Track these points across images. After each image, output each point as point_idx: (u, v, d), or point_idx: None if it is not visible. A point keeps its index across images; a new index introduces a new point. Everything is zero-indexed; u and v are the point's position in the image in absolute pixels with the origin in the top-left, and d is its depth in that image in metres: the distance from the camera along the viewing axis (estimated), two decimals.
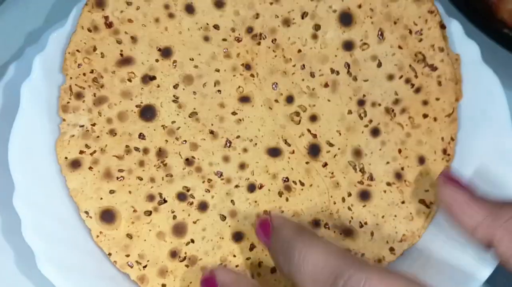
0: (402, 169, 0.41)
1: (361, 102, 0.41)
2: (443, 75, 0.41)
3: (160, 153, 0.39)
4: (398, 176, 0.41)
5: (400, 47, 0.41)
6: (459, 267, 0.40)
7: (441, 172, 0.39)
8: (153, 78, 0.40)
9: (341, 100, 0.41)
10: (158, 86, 0.40)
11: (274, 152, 0.40)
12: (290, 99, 0.41)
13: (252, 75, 0.40)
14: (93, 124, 0.39)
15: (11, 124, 0.38)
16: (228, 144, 0.40)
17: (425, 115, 0.41)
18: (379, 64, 0.41)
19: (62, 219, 0.38)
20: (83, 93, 0.39)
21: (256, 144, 0.40)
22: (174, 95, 0.40)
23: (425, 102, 0.42)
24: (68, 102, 0.39)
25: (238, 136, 0.40)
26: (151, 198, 0.39)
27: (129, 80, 0.40)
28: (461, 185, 0.37)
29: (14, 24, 0.49)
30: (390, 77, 0.41)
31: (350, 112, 0.41)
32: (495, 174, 0.41)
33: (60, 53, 0.40)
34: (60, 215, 0.38)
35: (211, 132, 0.40)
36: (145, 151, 0.39)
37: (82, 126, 0.39)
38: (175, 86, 0.40)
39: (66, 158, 0.38)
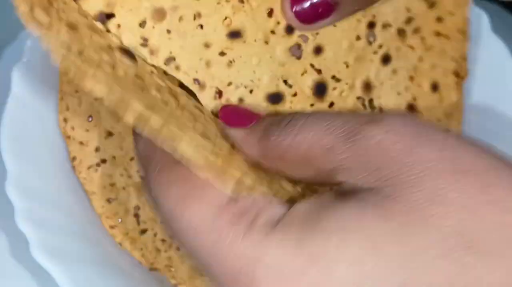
0: (415, 99, 0.37)
1: (371, 25, 0.35)
2: None
3: None
4: (411, 107, 0.37)
5: None
6: None
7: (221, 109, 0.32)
8: (111, 16, 0.30)
9: (348, 24, 0.34)
10: (119, 26, 0.30)
11: (275, 98, 0.33)
12: (289, 29, 0.33)
13: (241, 1, 0.32)
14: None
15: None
16: (218, 95, 0.32)
17: (438, 34, 0.37)
18: None
19: (57, 205, 0.37)
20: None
21: (252, 91, 0.33)
22: (141, 37, 0.31)
23: (439, 19, 0.37)
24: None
25: (230, 83, 0.32)
26: None
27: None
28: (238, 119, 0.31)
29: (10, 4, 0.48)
30: None
31: (358, 38, 0.35)
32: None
33: None
34: (55, 202, 0.37)
35: (196, 81, 0.32)
36: None
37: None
38: (142, 25, 0.31)
39: None
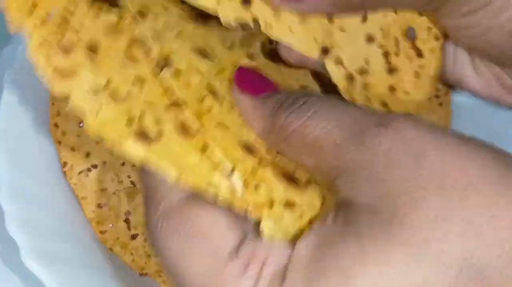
0: None
1: (324, 51, 0.33)
2: (426, 68, 0.34)
3: None
4: None
5: (395, 11, 0.34)
6: None
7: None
8: None
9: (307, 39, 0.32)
10: None
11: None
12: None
13: None
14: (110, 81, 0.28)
15: None
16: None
17: (383, 104, 0.34)
18: (364, 19, 0.33)
19: (47, 210, 0.37)
20: (68, 41, 0.28)
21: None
22: None
23: (391, 89, 0.34)
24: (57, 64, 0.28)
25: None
26: None
27: None
28: (251, 85, 0.30)
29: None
30: (369, 39, 0.33)
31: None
32: None
33: None
34: (45, 207, 0.37)
35: None
36: None
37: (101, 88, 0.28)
38: None
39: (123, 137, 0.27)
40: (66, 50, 0.27)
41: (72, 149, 0.39)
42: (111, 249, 0.39)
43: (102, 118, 0.27)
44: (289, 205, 0.28)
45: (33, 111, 0.39)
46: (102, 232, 0.39)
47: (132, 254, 0.39)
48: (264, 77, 0.30)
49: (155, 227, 0.27)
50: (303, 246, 0.25)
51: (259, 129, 0.28)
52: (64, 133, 0.39)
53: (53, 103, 0.39)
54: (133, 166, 0.39)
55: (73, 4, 0.28)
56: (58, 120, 0.39)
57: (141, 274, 0.39)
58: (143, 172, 0.28)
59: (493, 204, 0.23)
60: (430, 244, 0.23)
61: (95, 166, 0.39)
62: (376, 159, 0.24)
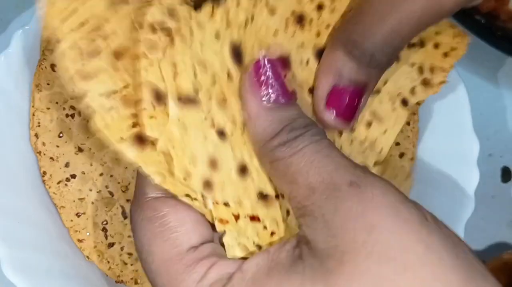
0: None
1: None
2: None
3: None
4: None
5: None
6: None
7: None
8: None
9: None
10: None
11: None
12: None
13: None
14: (127, 86, 0.30)
15: None
16: None
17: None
18: None
19: (26, 220, 0.38)
20: (97, 47, 0.30)
21: None
22: None
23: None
24: (82, 65, 0.29)
25: None
26: None
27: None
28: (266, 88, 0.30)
29: None
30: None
31: None
32: (456, 176, 0.42)
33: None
34: (24, 216, 0.38)
35: None
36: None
37: (116, 92, 0.30)
38: None
39: (122, 138, 0.30)
40: (92, 55, 0.30)
41: (52, 159, 0.40)
42: (88, 257, 0.40)
43: (109, 119, 0.29)
44: (253, 219, 0.31)
45: (13, 121, 0.39)
46: (80, 241, 0.40)
47: (108, 262, 0.40)
48: (283, 83, 0.30)
49: (134, 215, 0.31)
50: (253, 264, 0.28)
51: (254, 139, 0.30)
52: (43, 143, 0.40)
53: (33, 114, 0.40)
54: (111, 176, 0.41)
55: (111, 11, 0.30)
56: (38, 131, 0.40)
57: (117, 282, 0.40)
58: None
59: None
60: None
61: (74, 176, 0.40)
62: (337, 214, 0.26)
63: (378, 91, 0.36)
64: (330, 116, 0.32)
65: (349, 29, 0.32)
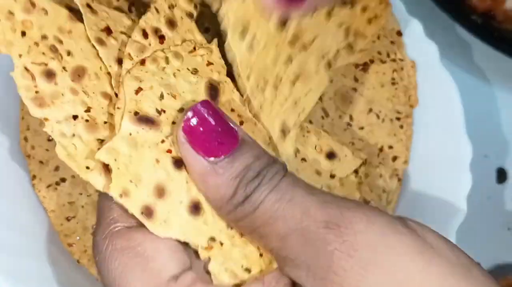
0: None
1: None
2: None
3: None
4: None
5: None
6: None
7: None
8: None
9: None
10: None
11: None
12: None
13: None
14: (88, 110, 0.29)
15: None
16: None
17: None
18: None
19: (15, 224, 0.38)
20: (51, 71, 0.28)
21: None
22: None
23: None
24: (37, 92, 0.28)
25: None
26: None
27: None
28: (208, 143, 0.27)
29: None
30: None
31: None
32: (448, 181, 0.41)
33: None
34: (13, 221, 0.38)
35: None
36: None
37: (76, 117, 0.29)
38: None
39: (87, 167, 0.28)
40: (46, 79, 0.28)
41: (41, 163, 0.40)
42: (78, 261, 0.40)
43: (71, 148, 0.28)
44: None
45: (2, 125, 0.39)
46: (69, 245, 0.40)
47: None
48: (225, 125, 0.27)
49: (101, 246, 0.28)
50: None
51: (211, 203, 0.28)
52: (33, 147, 0.40)
53: (23, 118, 0.40)
54: None
55: (63, 31, 0.29)
56: (28, 134, 0.40)
57: None
58: (101, 192, 0.28)
59: None
60: None
61: (63, 180, 0.40)
62: (321, 259, 0.25)
63: (305, 48, 0.34)
64: None
65: None
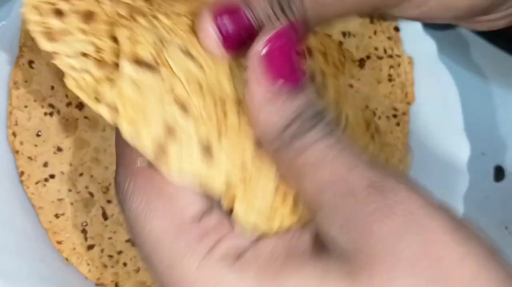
0: None
1: None
2: None
3: None
4: None
5: None
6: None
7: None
8: None
9: None
10: None
11: None
12: None
13: None
14: (98, 50, 0.28)
15: None
16: None
17: None
18: None
19: (3, 221, 0.37)
20: (60, 10, 0.28)
21: None
22: None
23: None
24: (46, 28, 0.27)
25: None
26: None
27: None
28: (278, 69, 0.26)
29: None
30: None
31: None
32: (445, 180, 0.41)
33: None
34: (1, 217, 0.37)
35: None
36: None
37: (86, 55, 0.28)
38: None
39: (97, 99, 0.27)
40: (58, 14, 0.28)
41: (30, 159, 0.39)
42: (67, 259, 0.39)
43: (81, 81, 0.27)
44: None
45: None
46: (58, 242, 0.39)
47: (88, 264, 0.39)
48: (293, 65, 0.26)
49: (123, 185, 0.27)
50: (269, 246, 0.26)
51: (265, 129, 0.26)
52: (21, 142, 0.39)
53: (11, 112, 0.39)
54: (91, 176, 0.39)
55: None
56: (16, 130, 0.39)
57: (97, 284, 0.39)
58: (118, 132, 0.27)
59: None
60: None
61: (52, 176, 0.39)
62: (358, 217, 0.24)
63: None
64: (209, 26, 0.28)
65: None
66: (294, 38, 0.26)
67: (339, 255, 0.24)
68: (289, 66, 0.26)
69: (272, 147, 0.26)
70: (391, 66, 0.42)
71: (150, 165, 0.26)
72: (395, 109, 0.42)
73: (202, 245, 0.25)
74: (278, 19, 0.27)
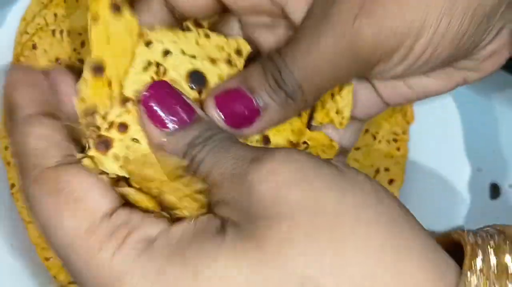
0: None
1: None
2: None
3: None
4: None
5: None
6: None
7: None
8: None
9: None
10: None
11: None
12: None
13: None
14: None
15: None
16: None
17: None
18: None
19: None
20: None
21: None
22: None
23: None
24: None
25: None
26: None
27: None
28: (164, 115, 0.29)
29: None
30: None
31: None
32: (445, 201, 0.41)
33: None
34: None
35: None
36: None
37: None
38: None
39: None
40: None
41: None
42: (55, 277, 0.38)
43: None
44: None
45: None
46: (47, 259, 0.38)
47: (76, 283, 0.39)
48: (180, 100, 0.29)
49: (29, 193, 0.28)
50: (179, 230, 0.27)
51: (167, 168, 0.29)
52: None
53: (4, 124, 0.38)
54: None
55: None
56: (8, 142, 0.38)
57: None
58: (14, 141, 0.29)
59: (340, 245, 0.25)
60: (275, 256, 0.25)
61: None
62: (243, 190, 0.26)
63: None
64: (214, 111, 0.30)
65: (281, 48, 0.31)
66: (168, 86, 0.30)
67: (235, 229, 0.26)
68: (170, 112, 0.29)
69: (179, 180, 0.29)
70: None
71: (57, 165, 0.27)
72: (396, 133, 0.41)
73: (114, 239, 0.26)
74: (276, 94, 0.30)
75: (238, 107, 0.30)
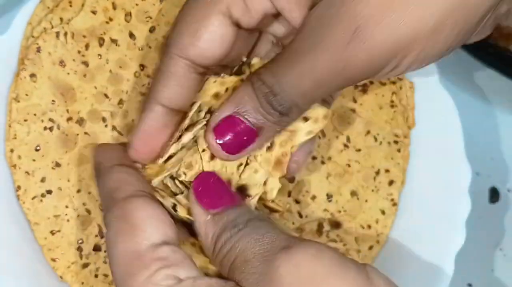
0: None
1: None
2: None
3: None
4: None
5: None
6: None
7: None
8: None
9: None
10: None
11: None
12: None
13: None
14: None
15: None
16: None
17: None
18: None
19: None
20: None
21: None
22: None
23: None
24: None
25: None
26: None
27: None
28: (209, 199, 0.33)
29: None
30: None
31: None
32: (446, 205, 0.41)
33: None
34: None
35: None
36: None
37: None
38: None
39: None
40: None
41: (27, 173, 0.38)
42: (61, 278, 0.39)
43: None
44: None
45: None
46: (53, 260, 0.38)
47: (83, 283, 0.39)
48: (223, 189, 0.33)
49: (105, 220, 0.33)
50: (203, 283, 0.30)
51: (206, 243, 0.32)
52: (19, 157, 0.38)
53: (10, 126, 0.38)
54: (89, 193, 0.39)
55: None
56: (14, 143, 0.38)
57: None
58: (99, 187, 0.35)
59: None
60: None
61: (50, 192, 0.39)
62: (268, 272, 0.28)
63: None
64: (213, 142, 0.33)
65: (266, 67, 0.32)
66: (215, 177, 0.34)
67: None
68: (218, 193, 0.33)
69: (213, 258, 0.32)
70: (393, 93, 0.42)
71: (127, 197, 0.32)
72: (396, 135, 0.42)
73: (149, 268, 0.30)
74: (270, 115, 0.32)
75: (237, 135, 0.32)
